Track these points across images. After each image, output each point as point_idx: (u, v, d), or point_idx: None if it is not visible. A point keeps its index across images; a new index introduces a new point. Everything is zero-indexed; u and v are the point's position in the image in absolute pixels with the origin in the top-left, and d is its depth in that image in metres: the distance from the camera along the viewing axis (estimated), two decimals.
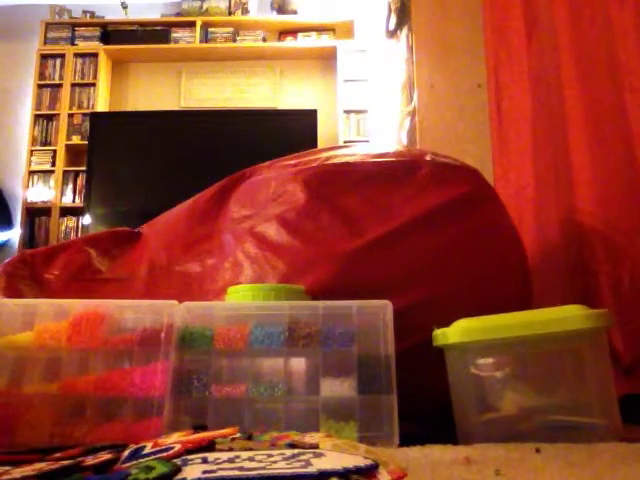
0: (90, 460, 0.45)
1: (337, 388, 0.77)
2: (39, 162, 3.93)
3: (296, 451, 0.46)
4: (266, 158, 1.27)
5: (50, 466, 0.43)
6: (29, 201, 3.86)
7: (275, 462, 0.41)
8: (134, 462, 0.45)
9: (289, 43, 4.20)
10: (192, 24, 4.18)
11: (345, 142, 3.80)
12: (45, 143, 3.97)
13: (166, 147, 3.46)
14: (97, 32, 4.21)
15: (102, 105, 4.05)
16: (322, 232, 1.03)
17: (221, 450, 0.50)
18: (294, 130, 3.42)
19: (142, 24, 4.23)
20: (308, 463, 0.41)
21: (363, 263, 0.99)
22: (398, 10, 3.07)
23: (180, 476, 0.38)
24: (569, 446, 0.70)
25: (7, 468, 0.44)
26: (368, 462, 0.42)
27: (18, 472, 0.41)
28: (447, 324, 0.84)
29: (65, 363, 0.79)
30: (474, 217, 1.08)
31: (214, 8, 4.27)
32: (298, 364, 0.80)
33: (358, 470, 0.39)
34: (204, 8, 4.28)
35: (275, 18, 4.23)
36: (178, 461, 0.42)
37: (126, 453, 0.49)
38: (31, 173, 3.90)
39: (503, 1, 1.79)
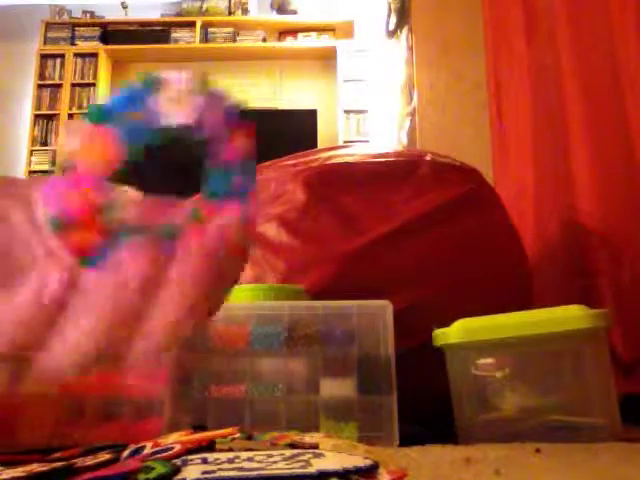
0: (90, 460, 0.45)
1: (337, 388, 0.77)
2: (39, 162, 3.93)
3: (296, 451, 0.46)
4: (266, 158, 1.27)
5: (40, 467, 0.43)
6: None
7: (275, 462, 0.41)
8: None
9: (289, 43, 4.20)
10: (192, 24, 4.18)
11: (345, 142, 3.80)
12: (45, 143, 3.97)
13: None
14: (97, 32, 4.21)
15: None
16: (322, 232, 1.03)
17: (221, 450, 0.49)
18: (294, 130, 3.43)
19: (142, 24, 4.23)
20: (308, 463, 0.41)
21: (363, 263, 0.99)
22: (398, 10, 3.07)
23: (180, 476, 0.38)
24: (569, 446, 0.70)
25: (0, 468, 0.44)
26: (368, 462, 0.42)
27: (9, 473, 0.41)
28: (447, 324, 0.84)
29: None
30: (474, 217, 1.08)
31: (214, 8, 4.27)
32: (298, 364, 0.80)
33: (358, 470, 0.39)
34: (204, 8, 4.28)
35: (275, 18, 4.23)
36: (178, 461, 0.42)
37: (126, 453, 0.49)
38: (31, 173, 3.90)
39: (503, 1, 1.79)
